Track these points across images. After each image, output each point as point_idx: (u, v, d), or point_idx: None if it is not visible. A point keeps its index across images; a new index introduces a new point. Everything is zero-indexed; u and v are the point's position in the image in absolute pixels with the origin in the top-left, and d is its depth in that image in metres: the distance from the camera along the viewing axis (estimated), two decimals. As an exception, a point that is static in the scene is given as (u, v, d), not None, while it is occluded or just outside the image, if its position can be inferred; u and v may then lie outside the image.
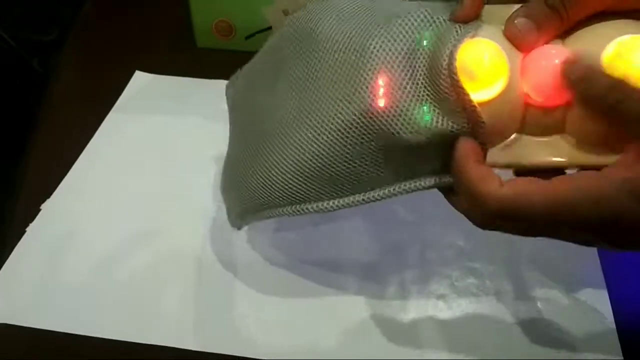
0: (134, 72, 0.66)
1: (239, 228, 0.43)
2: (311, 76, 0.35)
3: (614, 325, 0.44)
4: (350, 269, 0.47)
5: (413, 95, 0.32)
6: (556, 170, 0.32)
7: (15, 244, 0.48)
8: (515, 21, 0.31)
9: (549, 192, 0.28)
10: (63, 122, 0.61)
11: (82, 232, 0.50)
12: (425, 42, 0.32)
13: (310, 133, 0.35)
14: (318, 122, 0.34)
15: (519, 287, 0.46)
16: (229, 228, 0.49)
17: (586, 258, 0.48)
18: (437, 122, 0.31)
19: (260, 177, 0.38)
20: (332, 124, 0.33)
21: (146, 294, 0.46)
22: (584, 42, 0.32)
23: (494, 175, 0.30)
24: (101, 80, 0.66)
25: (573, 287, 0.46)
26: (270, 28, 0.63)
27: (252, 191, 0.39)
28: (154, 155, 0.57)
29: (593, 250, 0.48)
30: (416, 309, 0.45)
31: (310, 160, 0.35)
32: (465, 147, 0.31)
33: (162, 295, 0.46)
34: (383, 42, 0.32)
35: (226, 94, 0.47)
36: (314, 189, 0.36)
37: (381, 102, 0.32)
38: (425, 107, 0.31)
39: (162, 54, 0.69)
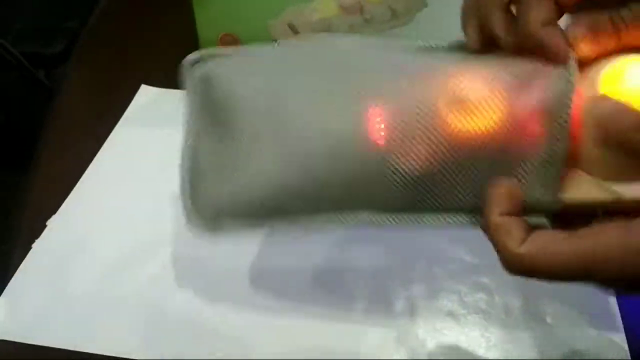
0: (139, 86, 0.66)
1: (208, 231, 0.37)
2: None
3: (625, 341, 0.43)
4: (357, 284, 0.47)
5: None
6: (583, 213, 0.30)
7: (22, 260, 0.48)
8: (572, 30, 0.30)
9: (578, 250, 0.27)
10: (69, 136, 0.61)
11: (88, 248, 0.50)
12: None
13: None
14: None
15: (529, 302, 0.46)
16: (235, 240, 0.49)
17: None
18: None
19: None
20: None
21: (154, 309, 0.45)
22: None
23: (519, 227, 0.28)
24: (107, 94, 0.66)
25: (583, 301, 0.45)
26: (275, 41, 0.63)
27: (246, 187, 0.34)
28: (161, 169, 0.56)
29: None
30: (425, 325, 0.45)
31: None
32: (498, 192, 0.30)
33: (170, 311, 0.45)
34: None
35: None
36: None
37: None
38: None
39: (168, 68, 0.69)
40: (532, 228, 0.29)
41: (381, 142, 0.30)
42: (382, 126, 0.30)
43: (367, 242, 0.50)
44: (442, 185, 0.32)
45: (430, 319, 0.45)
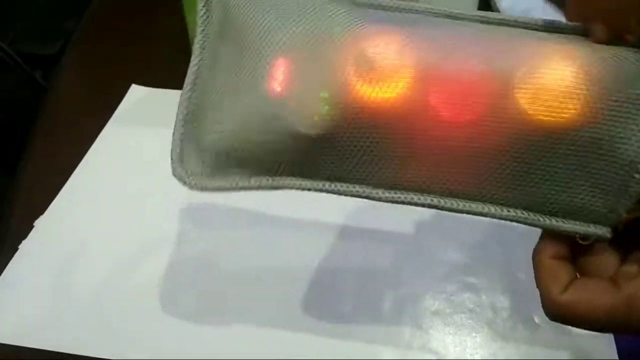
0: (130, 85, 0.66)
1: (197, 188, 0.33)
2: None
3: (612, 341, 0.43)
4: (344, 283, 0.47)
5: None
6: None
7: (8, 261, 0.48)
8: None
9: (615, 303, 0.27)
10: (58, 136, 0.61)
11: (76, 249, 0.49)
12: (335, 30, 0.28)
13: None
14: None
15: (516, 302, 0.45)
16: (232, 237, 0.49)
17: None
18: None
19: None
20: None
21: (143, 311, 0.45)
22: None
23: (566, 272, 0.29)
24: (97, 94, 0.66)
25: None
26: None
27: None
28: (150, 169, 0.56)
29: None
30: (412, 324, 0.44)
31: None
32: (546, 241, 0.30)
33: (159, 312, 0.45)
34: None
35: None
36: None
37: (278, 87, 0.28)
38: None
39: (159, 68, 0.69)
40: (576, 274, 0.29)
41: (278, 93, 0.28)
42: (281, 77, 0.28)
43: (355, 241, 0.50)
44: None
45: (418, 319, 0.45)
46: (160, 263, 0.48)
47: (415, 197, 0.30)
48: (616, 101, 0.26)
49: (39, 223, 0.51)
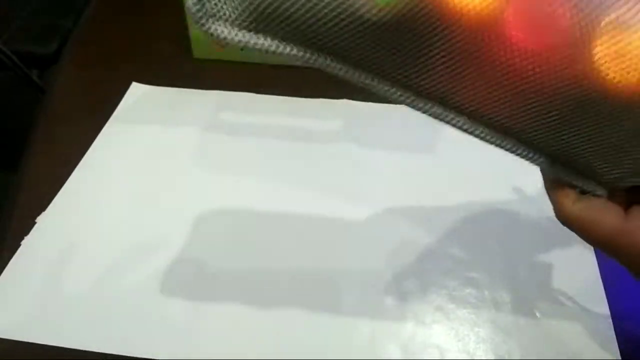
0: (130, 83, 0.66)
1: (216, 35, 0.25)
2: None
3: (613, 335, 0.43)
4: (348, 279, 0.47)
5: None
6: None
7: (10, 257, 0.48)
8: None
9: (616, 228, 0.29)
10: (59, 134, 0.61)
11: (77, 245, 0.49)
12: None
13: None
14: None
15: (518, 297, 0.46)
16: (230, 237, 0.49)
17: (585, 268, 0.47)
18: None
19: None
20: None
21: (143, 307, 0.45)
22: None
23: (572, 192, 0.31)
24: (98, 91, 0.66)
25: (572, 296, 0.45)
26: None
27: None
28: (151, 167, 0.57)
29: (592, 260, 0.48)
30: (414, 319, 0.44)
31: None
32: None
33: (161, 308, 0.45)
34: None
35: None
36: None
37: None
38: None
39: (159, 65, 0.69)
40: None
41: None
42: None
43: (358, 237, 0.50)
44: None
45: (420, 314, 0.45)
46: (158, 260, 0.48)
47: (449, 116, 0.28)
48: None
49: (40, 219, 0.51)
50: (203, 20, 0.25)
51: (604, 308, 0.45)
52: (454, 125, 0.28)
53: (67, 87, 0.68)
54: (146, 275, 0.47)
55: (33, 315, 0.45)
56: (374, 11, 0.24)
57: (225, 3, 0.25)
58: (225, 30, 0.25)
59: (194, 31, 0.67)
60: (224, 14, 0.25)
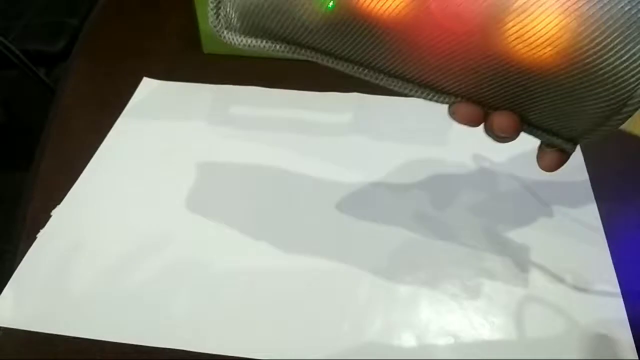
0: (141, 78, 0.66)
1: (228, 40, 0.35)
2: None
3: (628, 326, 0.43)
4: (361, 269, 0.47)
5: None
6: None
7: (27, 250, 0.49)
8: None
9: None
10: (72, 129, 0.61)
11: (92, 238, 0.50)
12: None
13: None
14: None
15: (531, 287, 0.46)
16: (239, 234, 0.50)
17: (597, 253, 0.48)
18: None
19: None
20: None
21: (157, 298, 0.46)
22: None
23: None
24: (109, 87, 0.66)
25: (586, 288, 0.46)
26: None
27: None
28: (163, 161, 0.57)
29: (604, 246, 0.48)
30: (428, 309, 0.45)
31: None
32: None
33: (172, 299, 0.46)
34: None
35: None
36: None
37: None
38: None
39: (169, 60, 0.69)
40: None
41: None
42: None
43: (370, 229, 0.50)
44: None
45: (434, 303, 0.45)
46: (168, 253, 0.49)
47: (395, 83, 0.34)
48: (589, 57, 0.28)
49: (55, 213, 0.51)
50: (220, 30, 0.35)
51: (618, 298, 0.45)
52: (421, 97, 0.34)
53: (79, 83, 0.68)
54: (159, 267, 0.48)
55: (50, 306, 0.45)
56: (315, 17, 0.32)
57: (232, 17, 0.34)
58: (234, 37, 0.35)
59: (203, 26, 0.67)
60: (232, 25, 0.34)
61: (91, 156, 0.57)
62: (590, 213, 0.51)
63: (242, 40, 0.35)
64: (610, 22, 0.27)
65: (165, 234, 0.50)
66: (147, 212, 0.52)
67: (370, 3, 0.30)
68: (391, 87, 0.34)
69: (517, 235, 0.49)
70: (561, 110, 0.32)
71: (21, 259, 0.48)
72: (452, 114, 0.34)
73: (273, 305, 0.45)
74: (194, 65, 0.68)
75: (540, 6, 0.27)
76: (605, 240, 0.49)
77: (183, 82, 0.66)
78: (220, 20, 0.35)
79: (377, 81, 0.35)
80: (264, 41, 0.34)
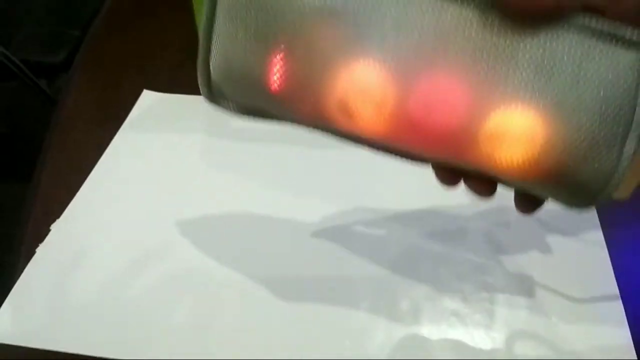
0: (141, 91, 0.66)
1: (224, 109, 0.36)
2: None
3: (630, 340, 0.43)
4: (361, 284, 0.47)
5: None
6: None
7: (26, 264, 0.48)
8: None
9: None
10: (72, 142, 0.61)
11: (92, 252, 0.50)
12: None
13: None
14: None
15: (533, 300, 0.46)
16: (239, 246, 0.49)
17: (599, 268, 0.47)
18: None
19: None
20: None
21: (157, 312, 0.45)
22: None
23: None
24: (109, 99, 0.66)
25: (588, 300, 0.45)
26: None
27: None
28: (163, 174, 0.57)
29: (606, 260, 0.48)
30: (429, 324, 0.44)
31: None
32: None
33: (172, 314, 0.45)
34: None
35: None
36: None
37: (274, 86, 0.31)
38: None
39: (170, 73, 0.69)
40: None
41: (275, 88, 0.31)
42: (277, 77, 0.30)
43: (370, 242, 0.50)
44: None
45: (435, 319, 0.45)
46: (167, 266, 0.49)
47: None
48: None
49: (55, 227, 0.51)
50: (210, 98, 0.35)
51: (620, 313, 0.45)
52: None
53: (79, 95, 0.68)
54: (159, 281, 0.47)
55: (50, 321, 0.45)
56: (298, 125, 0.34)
57: (218, 88, 0.34)
58: (224, 103, 0.35)
59: (204, 39, 0.67)
60: (221, 93, 0.34)
61: (91, 169, 0.57)
62: (592, 225, 0.51)
63: (231, 108, 0.35)
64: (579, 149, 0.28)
65: (165, 248, 0.50)
66: (146, 226, 0.52)
67: (349, 124, 0.31)
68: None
69: (518, 248, 0.49)
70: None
71: (20, 274, 0.48)
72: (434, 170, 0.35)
73: (273, 319, 0.45)
74: (194, 78, 0.68)
75: (513, 132, 0.28)
76: (607, 253, 0.48)
77: (183, 95, 0.66)
78: (212, 90, 0.35)
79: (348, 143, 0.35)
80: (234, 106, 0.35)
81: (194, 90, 0.68)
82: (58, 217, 0.52)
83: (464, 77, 0.28)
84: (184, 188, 0.55)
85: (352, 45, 0.29)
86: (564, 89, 0.28)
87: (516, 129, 0.28)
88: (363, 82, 0.29)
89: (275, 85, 0.31)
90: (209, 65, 0.33)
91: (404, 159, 0.34)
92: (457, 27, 0.28)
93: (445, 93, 0.28)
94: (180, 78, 0.68)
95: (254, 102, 0.33)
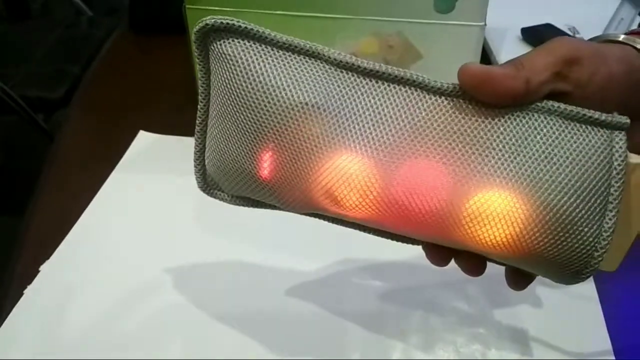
0: (137, 131, 0.66)
1: (220, 199, 0.39)
2: None
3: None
4: (352, 333, 0.46)
5: None
6: None
7: (14, 305, 0.48)
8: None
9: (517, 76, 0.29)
10: (65, 181, 0.61)
11: (79, 295, 0.49)
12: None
13: None
14: None
15: (525, 353, 0.45)
16: (230, 280, 0.50)
17: (593, 327, 0.47)
18: None
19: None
20: None
21: (146, 354, 0.45)
22: None
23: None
24: (105, 139, 0.67)
25: (579, 355, 0.45)
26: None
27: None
28: (156, 216, 0.57)
29: (599, 315, 0.47)
30: (420, 376, 0.44)
31: None
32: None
33: (162, 354, 0.45)
34: None
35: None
36: None
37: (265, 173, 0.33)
38: None
39: (166, 114, 0.70)
40: None
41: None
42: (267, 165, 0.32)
43: (363, 292, 0.50)
44: None
45: (426, 371, 0.44)
46: (157, 305, 0.48)
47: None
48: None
49: (44, 268, 0.51)
50: (211, 192, 0.38)
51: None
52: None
53: (75, 134, 0.68)
54: (148, 323, 0.47)
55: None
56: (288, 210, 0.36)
57: (212, 180, 0.37)
58: (219, 194, 0.38)
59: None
60: (215, 184, 0.38)
61: (84, 209, 0.56)
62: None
63: (225, 197, 0.38)
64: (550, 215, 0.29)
65: (157, 289, 0.50)
66: (137, 268, 0.51)
67: (335, 210, 0.32)
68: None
69: (511, 300, 0.49)
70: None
71: (7, 315, 0.47)
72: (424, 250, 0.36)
73: (266, 355, 0.44)
74: (191, 120, 0.68)
75: (490, 215, 0.29)
76: (600, 308, 0.48)
77: (179, 136, 0.66)
78: (207, 181, 0.38)
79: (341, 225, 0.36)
80: (249, 202, 0.37)
81: (190, 132, 0.68)
82: (48, 258, 0.52)
83: (442, 163, 0.29)
84: (177, 229, 0.55)
85: (334, 136, 0.30)
86: (537, 168, 0.29)
87: (496, 210, 0.29)
88: (346, 171, 0.30)
89: (266, 175, 0.32)
90: (204, 160, 0.36)
91: (395, 240, 0.36)
92: (432, 116, 0.30)
93: (425, 178, 0.30)
94: (177, 120, 0.68)
95: (246, 192, 0.35)
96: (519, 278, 0.35)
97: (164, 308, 0.48)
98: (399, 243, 0.36)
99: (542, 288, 0.50)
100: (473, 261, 0.34)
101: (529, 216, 0.29)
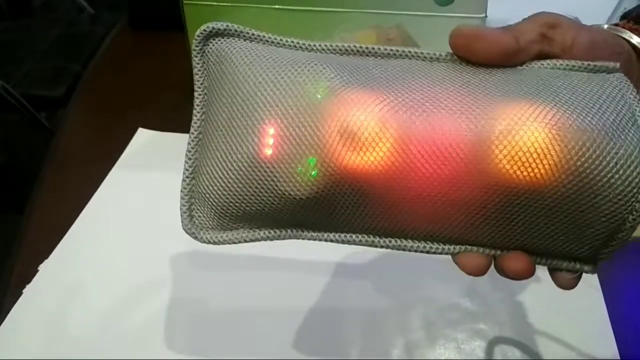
0: (137, 129, 0.66)
1: (208, 241, 0.33)
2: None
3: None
4: (352, 330, 0.46)
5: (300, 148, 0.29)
6: None
7: (13, 304, 0.48)
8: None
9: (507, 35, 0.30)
10: (64, 179, 0.61)
11: (78, 293, 0.49)
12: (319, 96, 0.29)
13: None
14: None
15: (527, 349, 0.45)
16: (231, 279, 0.50)
17: (596, 317, 0.46)
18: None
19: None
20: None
21: (148, 351, 0.45)
22: None
23: None
24: (105, 137, 0.66)
25: (583, 351, 0.44)
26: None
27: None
28: (155, 213, 0.56)
29: (602, 308, 0.47)
30: (421, 373, 0.44)
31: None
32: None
33: (164, 351, 0.45)
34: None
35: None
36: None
37: (268, 152, 0.29)
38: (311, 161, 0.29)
39: (165, 112, 0.69)
40: None
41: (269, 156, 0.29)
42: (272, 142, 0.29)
43: (364, 288, 0.49)
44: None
45: (428, 367, 0.44)
46: (158, 302, 0.48)
47: (392, 242, 0.33)
48: (583, 159, 0.27)
49: (43, 267, 0.51)
50: (194, 232, 0.33)
51: (615, 354, 0.44)
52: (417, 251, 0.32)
53: (75, 132, 0.68)
54: (147, 321, 0.47)
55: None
56: (298, 192, 0.29)
57: (204, 216, 0.32)
58: (210, 235, 0.32)
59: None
60: (206, 224, 0.33)
61: (83, 207, 0.56)
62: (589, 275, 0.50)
63: (221, 236, 0.33)
64: (596, 131, 0.27)
65: (157, 288, 0.49)
66: (137, 265, 0.51)
67: (350, 158, 0.28)
68: (388, 248, 0.33)
69: (512, 296, 0.48)
70: (568, 231, 0.30)
71: (6, 314, 0.47)
72: (458, 264, 0.33)
73: (267, 350, 0.44)
74: (189, 118, 0.68)
75: (523, 124, 0.27)
76: (604, 304, 0.47)
77: (179, 133, 0.66)
78: (195, 222, 0.33)
79: (372, 245, 0.33)
80: (245, 231, 0.32)
81: (189, 129, 0.68)
82: (47, 256, 0.51)
83: (460, 105, 0.28)
84: (176, 227, 0.55)
85: (342, 91, 0.29)
86: (566, 95, 0.28)
87: (527, 143, 0.27)
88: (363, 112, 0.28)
89: (269, 154, 0.29)
90: (193, 200, 0.33)
91: (409, 248, 0.33)
92: (436, 71, 0.30)
93: (444, 124, 0.28)
94: (176, 117, 0.68)
95: (249, 189, 0.30)
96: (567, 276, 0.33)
97: (164, 306, 0.48)
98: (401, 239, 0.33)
99: (544, 284, 0.49)
100: (518, 261, 0.32)
101: (562, 142, 0.27)
